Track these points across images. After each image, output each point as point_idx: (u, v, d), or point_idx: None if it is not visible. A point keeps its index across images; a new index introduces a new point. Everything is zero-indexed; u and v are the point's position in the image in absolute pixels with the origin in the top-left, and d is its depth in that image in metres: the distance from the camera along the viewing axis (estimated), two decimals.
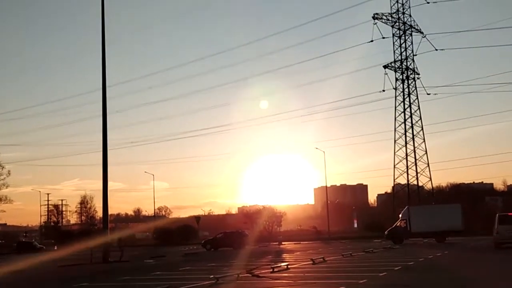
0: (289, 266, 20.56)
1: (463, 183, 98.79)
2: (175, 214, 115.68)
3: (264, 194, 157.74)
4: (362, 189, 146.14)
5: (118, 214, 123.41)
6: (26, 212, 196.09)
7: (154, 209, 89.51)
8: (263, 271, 19.27)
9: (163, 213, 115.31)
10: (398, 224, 40.80)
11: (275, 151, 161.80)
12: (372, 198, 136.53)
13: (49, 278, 21.80)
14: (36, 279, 21.68)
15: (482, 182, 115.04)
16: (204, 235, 54.78)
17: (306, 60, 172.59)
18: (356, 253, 27.88)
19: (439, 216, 39.24)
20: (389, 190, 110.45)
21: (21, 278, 22.57)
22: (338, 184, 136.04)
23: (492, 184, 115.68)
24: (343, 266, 20.86)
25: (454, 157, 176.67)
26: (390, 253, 27.97)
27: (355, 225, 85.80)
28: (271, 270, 19.29)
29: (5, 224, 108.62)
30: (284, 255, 30.67)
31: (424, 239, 40.50)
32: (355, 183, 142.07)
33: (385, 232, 41.21)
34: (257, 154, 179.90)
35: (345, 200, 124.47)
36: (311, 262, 22.51)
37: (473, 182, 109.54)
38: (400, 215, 41.38)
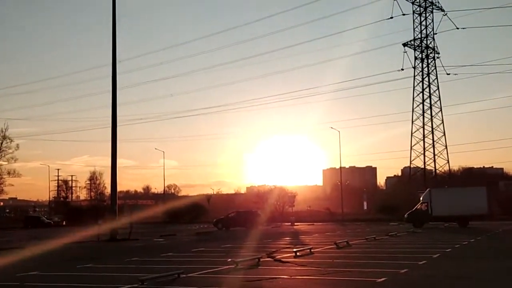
0: (312, 250, 18.92)
1: (473, 167, 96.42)
2: (184, 193, 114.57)
3: (272, 175, 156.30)
4: (371, 171, 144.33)
5: (127, 191, 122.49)
6: (36, 187, 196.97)
7: (164, 187, 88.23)
8: (286, 255, 17.73)
9: (172, 191, 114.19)
10: (418, 207, 38.98)
11: (283, 131, 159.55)
12: (380, 180, 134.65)
13: (52, 257, 20.18)
14: (37, 258, 20.02)
15: (492, 166, 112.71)
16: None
17: (320, 37, 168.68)
18: (379, 236, 26.18)
19: (462, 199, 37.27)
20: (398, 172, 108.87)
21: (22, 257, 21.02)
22: (347, 166, 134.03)
23: (502, 168, 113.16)
24: (372, 251, 19.14)
25: (467, 140, 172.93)
26: (416, 238, 26.25)
27: (365, 207, 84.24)
28: (294, 254, 17.73)
29: (16, 198, 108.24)
30: (302, 237, 29.07)
31: (445, 223, 38.67)
32: (363, 165, 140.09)
33: (405, 215, 39.42)
34: (265, 134, 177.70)
35: (354, 182, 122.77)
36: (335, 246, 20.88)
37: (483, 167, 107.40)
38: (421, 198, 39.50)
